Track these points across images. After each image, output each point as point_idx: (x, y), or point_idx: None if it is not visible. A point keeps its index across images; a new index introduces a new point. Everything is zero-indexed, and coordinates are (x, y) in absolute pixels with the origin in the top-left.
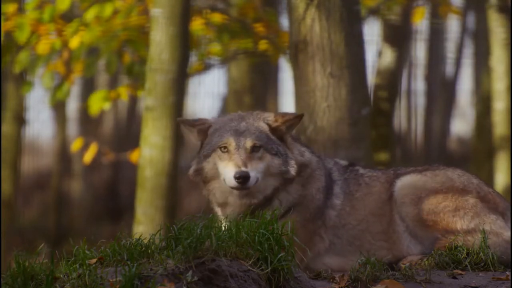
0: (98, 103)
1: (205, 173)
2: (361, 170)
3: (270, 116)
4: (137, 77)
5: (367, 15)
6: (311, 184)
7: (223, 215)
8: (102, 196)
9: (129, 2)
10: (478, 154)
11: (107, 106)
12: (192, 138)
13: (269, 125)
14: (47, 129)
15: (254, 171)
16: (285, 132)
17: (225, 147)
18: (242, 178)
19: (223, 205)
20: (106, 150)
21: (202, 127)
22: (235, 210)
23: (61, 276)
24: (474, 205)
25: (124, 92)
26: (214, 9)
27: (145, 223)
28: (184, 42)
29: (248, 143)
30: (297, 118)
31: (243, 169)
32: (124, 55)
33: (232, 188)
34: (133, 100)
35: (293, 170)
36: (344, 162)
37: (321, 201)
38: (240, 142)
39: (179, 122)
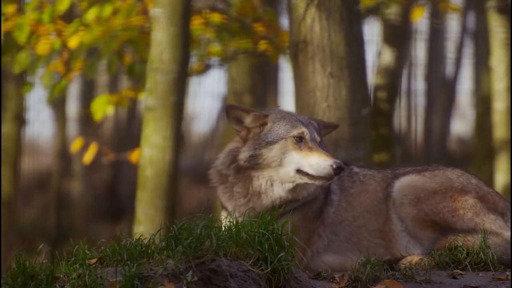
0: (101, 108)
1: (263, 160)
2: (356, 169)
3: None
4: (138, 78)
5: (367, 15)
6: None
7: (248, 206)
8: (102, 196)
9: (128, 2)
10: (478, 154)
11: (110, 110)
12: (236, 126)
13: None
14: (47, 129)
15: None
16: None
17: (300, 137)
18: (340, 169)
19: (257, 195)
20: (106, 150)
21: (259, 114)
22: (269, 202)
23: (61, 276)
24: (473, 205)
25: (124, 100)
26: (213, 9)
27: (145, 223)
28: (185, 42)
29: (317, 137)
30: (334, 128)
31: (339, 160)
32: (125, 55)
33: (322, 177)
34: (134, 101)
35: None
36: None
37: (322, 201)
38: (312, 134)
39: (228, 108)
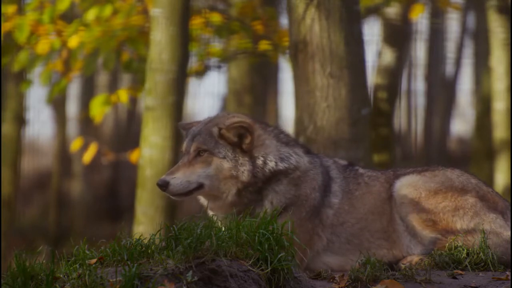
0: (99, 108)
1: None
2: (361, 170)
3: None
4: (135, 74)
5: (367, 15)
6: (305, 183)
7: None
8: (102, 196)
9: (129, 2)
10: (478, 154)
11: (107, 110)
12: None
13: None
14: (47, 129)
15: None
16: (237, 140)
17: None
18: (159, 186)
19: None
20: (106, 150)
21: (183, 125)
22: (221, 211)
23: (61, 276)
24: (473, 205)
25: (124, 95)
26: (213, 8)
27: (145, 223)
28: (184, 42)
29: (188, 147)
30: (243, 128)
31: (163, 177)
32: (123, 53)
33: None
34: (133, 100)
35: (246, 175)
36: (343, 162)
37: (317, 200)
38: (186, 148)
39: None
